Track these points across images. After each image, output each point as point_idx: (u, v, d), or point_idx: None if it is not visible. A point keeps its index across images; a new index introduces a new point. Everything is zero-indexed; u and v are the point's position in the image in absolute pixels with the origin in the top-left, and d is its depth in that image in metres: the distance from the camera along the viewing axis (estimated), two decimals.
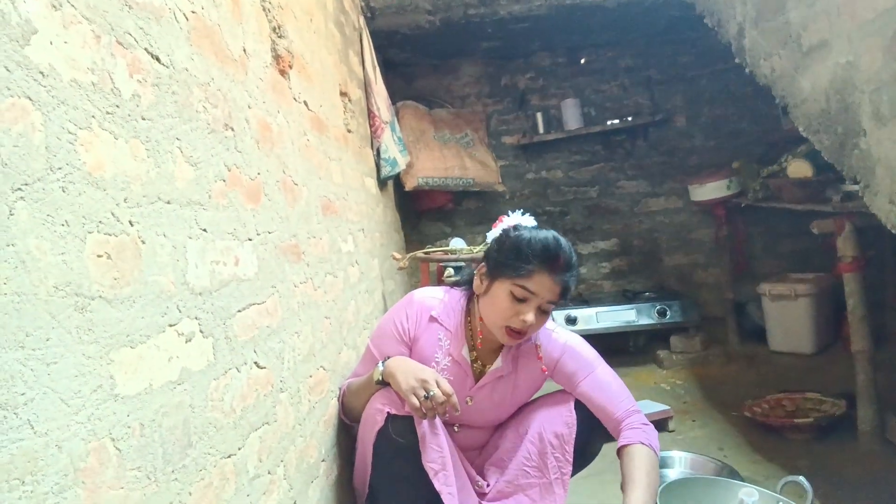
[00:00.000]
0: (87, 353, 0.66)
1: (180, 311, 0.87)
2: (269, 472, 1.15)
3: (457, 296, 1.70)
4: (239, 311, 1.08)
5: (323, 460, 1.54)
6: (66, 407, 0.62)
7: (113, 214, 0.74)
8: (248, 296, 1.12)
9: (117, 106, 0.78)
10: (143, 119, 0.83)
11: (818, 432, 2.45)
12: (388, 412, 1.51)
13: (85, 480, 0.63)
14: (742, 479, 2.03)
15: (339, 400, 1.72)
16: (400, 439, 1.49)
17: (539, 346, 1.68)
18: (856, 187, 2.36)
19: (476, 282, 1.62)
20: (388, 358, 1.57)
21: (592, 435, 1.68)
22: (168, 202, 0.87)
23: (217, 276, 1.00)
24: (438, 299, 1.70)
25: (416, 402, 1.44)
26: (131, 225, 0.77)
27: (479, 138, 3.94)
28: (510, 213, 1.70)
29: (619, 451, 1.56)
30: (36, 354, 0.59)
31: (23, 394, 0.57)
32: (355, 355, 1.95)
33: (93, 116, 0.73)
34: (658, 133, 4.01)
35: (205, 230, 0.98)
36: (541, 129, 4.00)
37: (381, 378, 1.54)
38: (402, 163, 3.16)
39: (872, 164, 1.57)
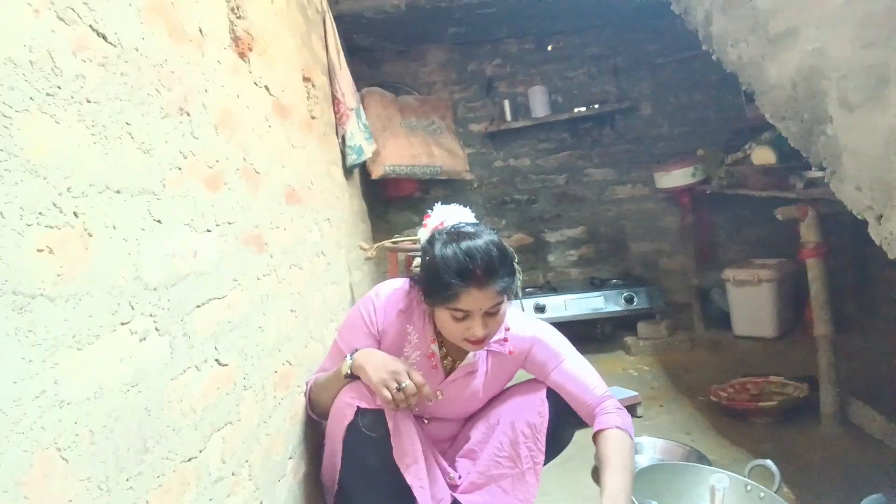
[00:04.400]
0: (28, 356, 0.61)
1: (133, 308, 0.81)
2: (232, 474, 1.10)
3: (419, 292, 1.66)
4: (198, 306, 1.03)
5: (290, 458, 1.50)
6: (4, 416, 0.57)
7: (55, 205, 0.68)
8: (207, 290, 1.07)
9: (59, 87, 0.72)
10: (89, 101, 0.77)
11: (782, 416, 2.49)
12: (357, 406, 1.47)
13: (27, 495, 0.58)
14: (710, 464, 2.05)
15: (305, 395, 1.67)
16: (370, 433, 1.45)
17: (507, 340, 1.65)
18: (820, 174, 2.40)
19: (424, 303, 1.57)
20: (357, 350, 1.53)
21: (564, 423, 1.66)
22: (118, 191, 0.81)
23: (173, 270, 0.95)
24: (405, 292, 1.66)
25: (388, 394, 1.40)
26: (76, 216, 0.71)
27: (446, 126, 3.89)
28: (430, 210, 1.66)
29: (595, 437, 1.56)
30: None
31: None
32: (322, 348, 1.91)
33: (31, 98, 0.67)
34: (625, 121, 4.02)
35: (159, 221, 0.92)
36: (508, 117, 3.97)
37: (349, 371, 1.50)
38: (368, 150, 3.10)
39: (839, 151, 1.58)
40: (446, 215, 1.60)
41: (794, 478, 1.96)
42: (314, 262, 1.97)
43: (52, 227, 0.67)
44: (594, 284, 3.80)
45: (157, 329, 0.87)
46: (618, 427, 1.53)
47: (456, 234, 1.48)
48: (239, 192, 1.30)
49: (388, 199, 4.00)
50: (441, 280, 1.43)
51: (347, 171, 2.93)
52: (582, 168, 4.07)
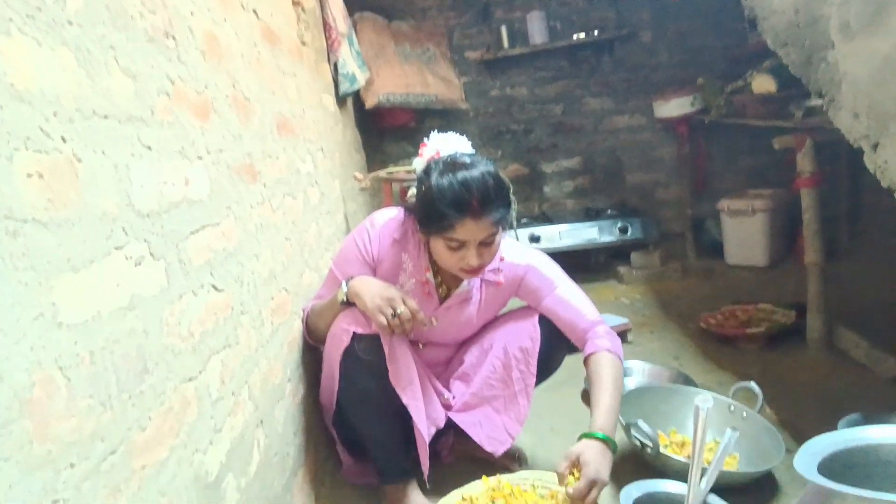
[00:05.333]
0: (24, 280, 0.62)
1: (127, 234, 0.82)
2: (232, 394, 1.14)
3: (414, 220, 1.66)
4: (192, 233, 1.04)
5: (288, 380, 1.54)
6: (4, 336, 0.59)
7: (42, 130, 0.68)
8: (200, 218, 1.08)
9: (39, 9, 0.70)
10: (71, 24, 0.76)
11: (769, 341, 2.55)
12: (353, 332, 1.50)
13: (33, 412, 0.61)
14: (697, 387, 2.12)
15: (302, 322, 1.71)
16: (367, 357, 1.50)
17: (501, 270, 1.68)
18: (819, 102, 2.37)
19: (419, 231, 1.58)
20: (352, 278, 1.56)
21: (555, 348, 1.71)
22: (105, 117, 0.81)
23: (166, 198, 0.95)
24: (399, 221, 1.67)
25: (384, 320, 1.43)
26: (64, 142, 0.71)
27: (441, 53, 3.80)
28: (426, 138, 1.64)
29: (586, 360, 1.60)
30: None
31: None
32: (318, 277, 1.93)
33: (10, 20, 0.65)
34: (623, 49, 3.93)
35: (149, 148, 0.92)
36: (505, 44, 3.87)
37: (345, 298, 1.53)
38: (361, 79, 3.04)
39: (838, 78, 1.56)
40: (442, 144, 1.59)
41: (778, 399, 2.03)
42: (308, 193, 1.97)
43: (40, 153, 0.67)
44: (589, 215, 3.81)
45: (151, 255, 0.88)
46: (608, 350, 1.57)
47: (452, 164, 1.48)
48: (229, 121, 1.29)
49: (382, 130, 3.95)
50: (436, 210, 1.44)
51: (340, 101, 2.89)
52: (579, 97, 4.01)
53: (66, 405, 0.66)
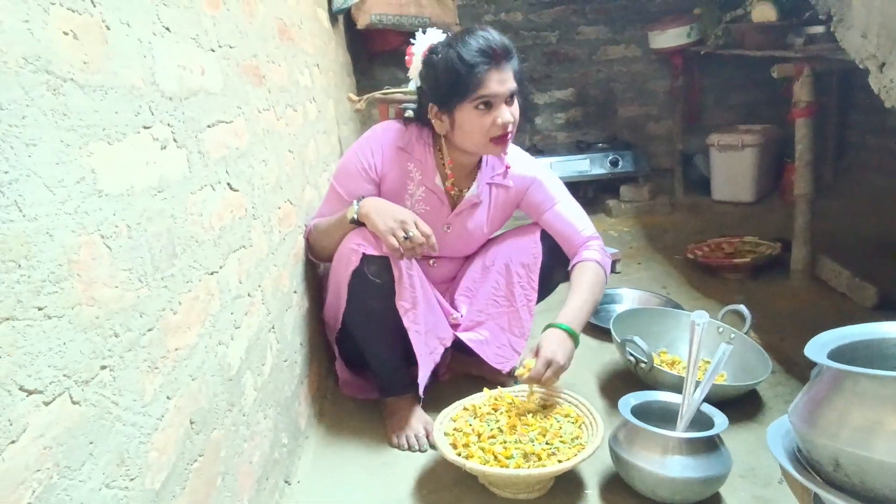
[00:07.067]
0: (66, 140, 0.60)
1: (153, 114, 0.80)
2: (248, 295, 1.14)
3: (418, 129, 1.65)
4: (209, 126, 1.01)
5: (295, 292, 1.54)
6: (52, 195, 0.57)
7: None
8: (216, 111, 1.05)
9: None
10: None
11: (754, 272, 2.60)
12: (363, 252, 1.48)
13: (80, 273, 0.60)
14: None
15: (305, 238, 1.69)
16: (376, 279, 1.48)
17: (510, 170, 1.71)
18: (820, 30, 2.36)
19: (436, 124, 1.57)
20: (363, 198, 1.52)
21: (556, 265, 1.74)
22: None
23: (185, 83, 0.92)
24: (401, 130, 1.65)
25: (395, 243, 1.41)
26: (94, 5, 0.68)
27: None
28: (412, 40, 1.63)
29: (573, 268, 1.64)
30: (13, 132, 0.52)
31: (6, 172, 0.51)
32: (317, 195, 1.91)
33: None
34: None
35: (168, 29, 0.88)
36: None
37: (355, 217, 1.50)
38: None
39: None
40: (433, 37, 1.58)
41: (762, 325, 2.08)
42: (307, 108, 1.93)
43: (73, 12, 0.63)
44: (580, 148, 3.79)
45: (175, 140, 0.86)
46: (596, 261, 1.61)
47: (457, 34, 1.51)
48: (236, 15, 1.24)
49: (372, 54, 3.84)
50: (463, 68, 1.44)
51: (332, 18, 2.79)
52: (575, 25, 3.92)
53: (108, 272, 0.65)
